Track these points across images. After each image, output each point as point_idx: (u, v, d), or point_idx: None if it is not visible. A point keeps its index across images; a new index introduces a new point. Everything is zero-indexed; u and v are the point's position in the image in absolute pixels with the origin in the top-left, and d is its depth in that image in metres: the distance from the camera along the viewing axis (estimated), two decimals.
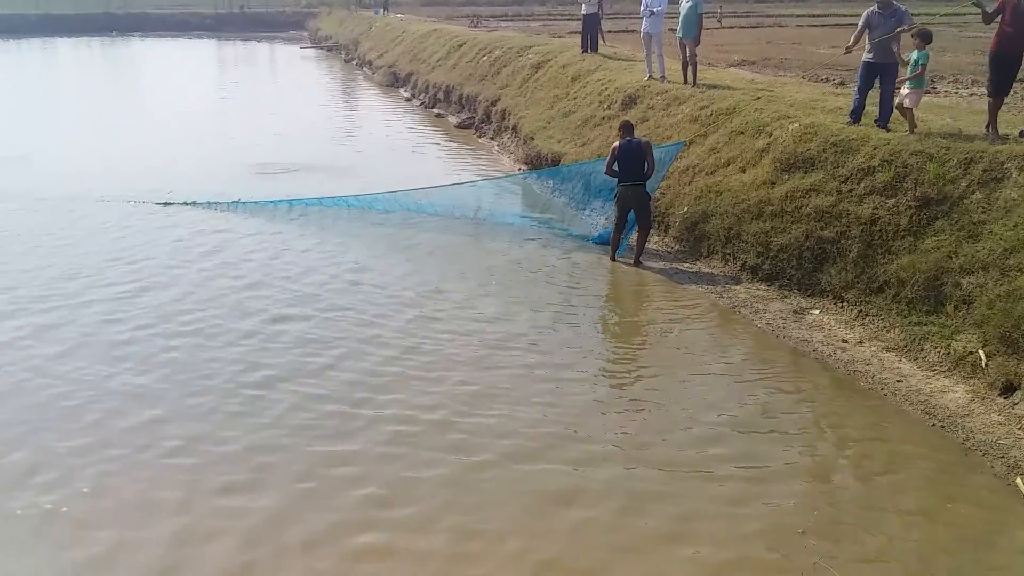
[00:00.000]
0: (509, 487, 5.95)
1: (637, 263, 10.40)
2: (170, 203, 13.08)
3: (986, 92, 9.58)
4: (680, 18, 14.05)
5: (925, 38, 9.64)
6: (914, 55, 9.66)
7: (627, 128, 10.68)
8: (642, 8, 15.10)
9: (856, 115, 10.41)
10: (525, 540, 5.42)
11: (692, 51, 14.07)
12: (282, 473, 6.09)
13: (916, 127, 9.78)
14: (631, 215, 10.61)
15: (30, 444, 6.45)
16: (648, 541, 5.42)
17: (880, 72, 10.10)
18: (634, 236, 10.83)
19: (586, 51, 18.81)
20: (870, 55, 10.16)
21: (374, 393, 7.22)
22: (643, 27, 15.05)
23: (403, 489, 5.92)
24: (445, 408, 6.97)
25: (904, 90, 9.74)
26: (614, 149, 10.45)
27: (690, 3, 13.87)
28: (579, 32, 19.83)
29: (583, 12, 19.08)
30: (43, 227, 11.87)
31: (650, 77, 15.10)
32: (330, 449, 6.40)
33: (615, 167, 10.43)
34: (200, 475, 6.07)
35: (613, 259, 10.65)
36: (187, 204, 13.01)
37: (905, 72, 9.80)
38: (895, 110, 9.97)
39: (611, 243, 10.73)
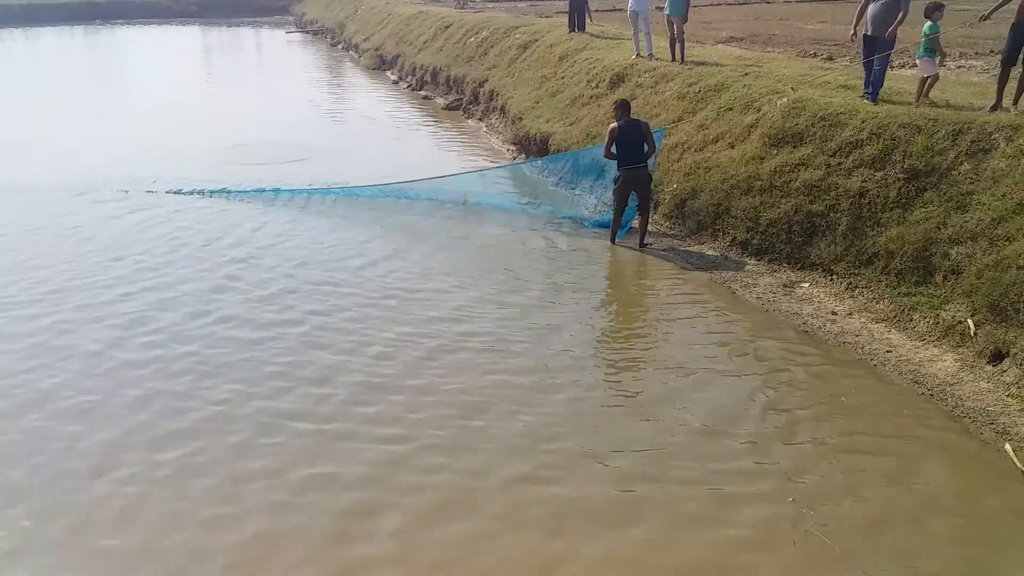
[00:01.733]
0: (504, 486, 5.91)
1: (643, 245, 10.22)
2: (154, 192, 12.98)
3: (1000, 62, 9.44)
4: None
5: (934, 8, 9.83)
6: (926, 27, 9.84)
7: (624, 108, 10.24)
8: None
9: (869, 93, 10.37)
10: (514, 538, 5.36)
11: (680, 28, 14.01)
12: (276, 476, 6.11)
13: (927, 98, 9.93)
14: (631, 197, 10.41)
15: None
16: (634, 518, 5.47)
17: (876, 45, 10.10)
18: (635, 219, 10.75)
19: (573, 30, 18.74)
20: (868, 28, 10.19)
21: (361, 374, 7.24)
22: (629, 5, 14.97)
23: (397, 493, 5.79)
24: (439, 402, 6.87)
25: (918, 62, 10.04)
26: (612, 131, 10.13)
27: None
28: (566, 12, 19.74)
29: None
30: (37, 218, 11.78)
31: (638, 55, 15.05)
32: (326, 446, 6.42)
33: (613, 150, 10.15)
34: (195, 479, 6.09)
35: (613, 241, 10.48)
36: (173, 193, 12.90)
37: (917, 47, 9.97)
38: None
39: (612, 226, 10.52)
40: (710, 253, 9.93)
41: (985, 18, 9.63)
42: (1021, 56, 9.03)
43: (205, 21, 53.79)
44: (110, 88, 27.50)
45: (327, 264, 9.88)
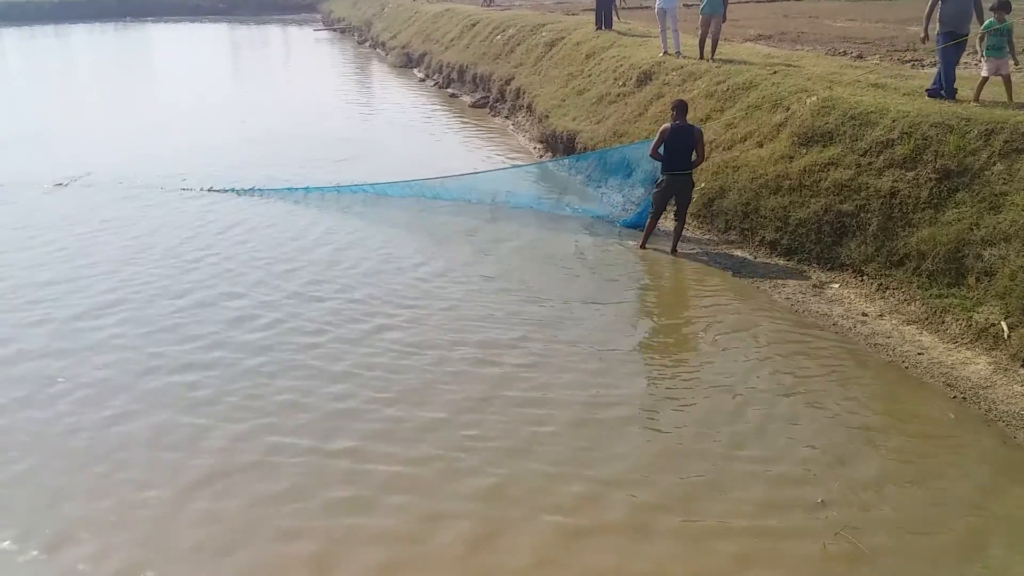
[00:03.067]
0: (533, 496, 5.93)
1: (674, 252, 10.00)
2: (187, 189, 13.11)
3: None
4: None
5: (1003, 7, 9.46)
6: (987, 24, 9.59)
7: (681, 109, 9.91)
8: None
9: (938, 91, 10.11)
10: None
11: (718, 26, 13.88)
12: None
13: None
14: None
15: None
16: (660, 515, 5.46)
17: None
18: (663, 223, 10.54)
19: (600, 28, 18.68)
20: (945, 26, 9.95)
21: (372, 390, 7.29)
22: (657, 3, 14.91)
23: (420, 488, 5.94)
24: (468, 408, 6.93)
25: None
26: (664, 131, 9.87)
27: None
28: (593, 9, 19.68)
29: None
30: (88, 213, 11.94)
31: (665, 53, 14.99)
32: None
33: (661, 151, 9.91)
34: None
35: (643, 246, 10.24)
36: (205, 191, 13.00)
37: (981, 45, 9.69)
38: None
39: (646, 230, 10.28)
40: (739, 253, 9.87)
41: None
42: None
43: (234, 18, 54.32)
44: (143, 84, 27.82)
45: (358, 265, 9.93)
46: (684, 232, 10.37)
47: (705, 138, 11.19)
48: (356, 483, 5.76)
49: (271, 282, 9.27)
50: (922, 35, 10.70)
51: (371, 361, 7.41)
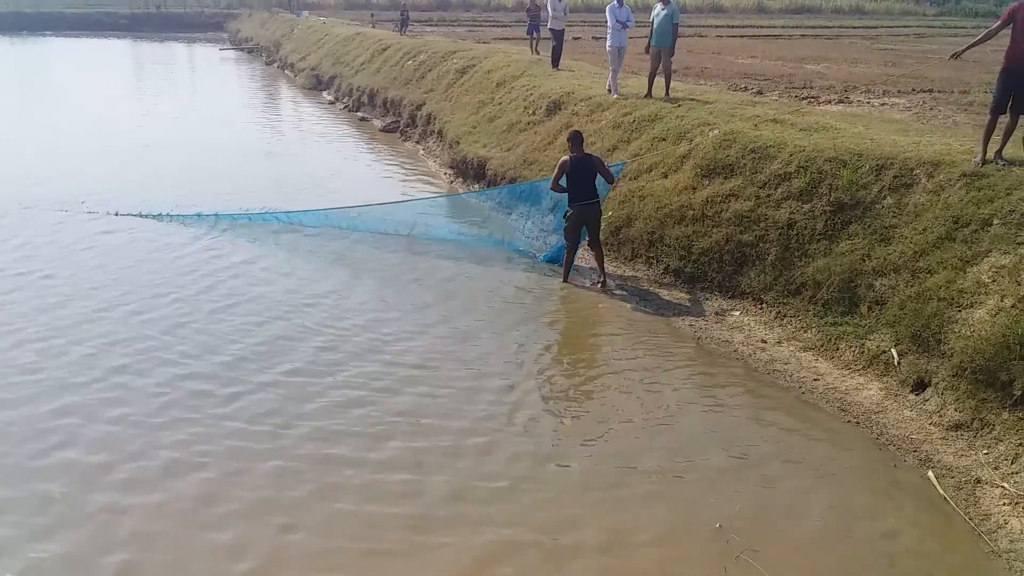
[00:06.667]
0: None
1: (604, 287, 9.84)
2: (94, 212, 12.49)
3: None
4: (654, 27, 13.31)
5: None
6: None
7: (577, 140, 9.83)
8: (612, 21, 14.28)
9: None
10: None
11: (667, 60, 13.50)
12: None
13: None
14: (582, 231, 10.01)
15: None
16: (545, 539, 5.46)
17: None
18: (581, 255, 10.46)
19: (554, 66, 18.02)
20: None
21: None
22: (612, 41, 14.33)
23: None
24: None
25: None
26: (563, 163, 9.73)
27: (665, 11, 13.15)
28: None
29: (551, 27, 18.14)
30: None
31: (616, 94, 14.31)
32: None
33: (563, 183, 9.76)
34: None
35: (566, 280, 10.09)
36: (112, 215, 12.39)
37: None
38: None
39: (564, 264, 10.13)
40: (644, 280, 10.01)
41: (957, 56, 9.24)
42: (1011, 104, 8.25)
43: (137, 35, 52.81)
44: (39, 99, 26.69)
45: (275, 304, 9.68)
46: (588, 256, 10.34)
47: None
48: None
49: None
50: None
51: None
